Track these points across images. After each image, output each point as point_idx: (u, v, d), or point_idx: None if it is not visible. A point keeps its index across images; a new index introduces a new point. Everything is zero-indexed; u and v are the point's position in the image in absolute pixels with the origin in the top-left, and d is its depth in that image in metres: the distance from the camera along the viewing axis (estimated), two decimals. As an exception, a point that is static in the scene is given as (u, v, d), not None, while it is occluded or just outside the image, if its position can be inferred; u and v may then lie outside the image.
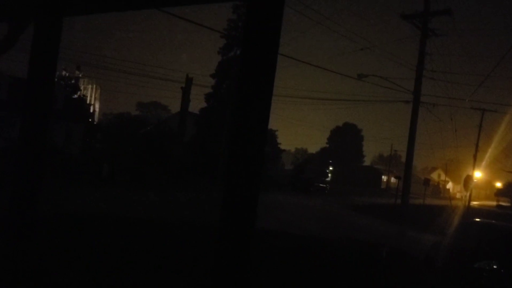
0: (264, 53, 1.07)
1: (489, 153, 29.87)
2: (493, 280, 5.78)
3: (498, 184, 50.84)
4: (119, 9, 1.50)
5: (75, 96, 32.11)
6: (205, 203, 14.23)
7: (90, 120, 31.45)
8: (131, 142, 23.18)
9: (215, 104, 29.86)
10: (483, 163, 31.20)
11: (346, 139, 56.24)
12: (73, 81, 33.74)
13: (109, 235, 7.24)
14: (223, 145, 25.51)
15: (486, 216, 15.19)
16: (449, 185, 61.73)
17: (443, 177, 60.65)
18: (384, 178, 54.83)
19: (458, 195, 46.97)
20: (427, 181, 29.17)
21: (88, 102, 38.04)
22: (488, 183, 54.32)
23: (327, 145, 58.03)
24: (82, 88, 37.55)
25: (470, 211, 22.59)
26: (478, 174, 31.87)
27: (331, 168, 49.97)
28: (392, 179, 41.71)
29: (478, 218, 10.80)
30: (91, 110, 37.39)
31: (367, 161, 63.85)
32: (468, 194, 26.43)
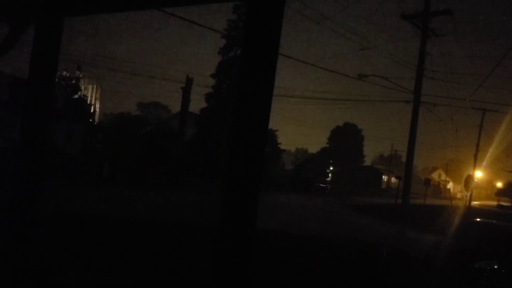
0: (264, 53, 1.07)
1: (490, 153, 29.86)
2: (494, 280, 5.77)
3: (499, 184, 50.80)
4: (119, 9, 1.50)
5: (76, 96, 32.13)
6: (205, 203, 14.23)
7: (90, 120, 31.47)
8: (131, 142, 23.19)
9: (216, 104, 29.87)
10: (484, 163, 31.19)
11: (346, 139, 56.22)
12: (73, 81, 33.76)
13: (109, 235, 7.24)
14: (223, 145, 25.51)
15: (486, 216, 15.18)
16: (450, 185, 61.69)
17: (443, 177, 60.60)
18: (385, 178, 54.82)
19: (458, 195, 46.94)
20: (427, 181, 29.16)
21: (88, 102, 38.08)
22: (489, 183, 54.28)
23: (328, 145, 58.02)
24: (82, 88, 37.58)
25: (471, 211, 22.58)
26: (478, 174, 31.84)
27: (331, 168, 49.95)
28: (393, 179, 41.70)
29: (478, 218, 10.79)
30: (92, 110, 37.42)
31: (367, 161, 63.86)
32: (468, 194, 26.41)
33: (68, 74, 33.97)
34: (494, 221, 9.35)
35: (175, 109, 41.03)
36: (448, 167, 52.08)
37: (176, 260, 6.12)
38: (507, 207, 35.87)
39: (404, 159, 21.70)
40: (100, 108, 45.72)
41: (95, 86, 43.60)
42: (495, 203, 42.54)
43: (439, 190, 55.96)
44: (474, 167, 29.89)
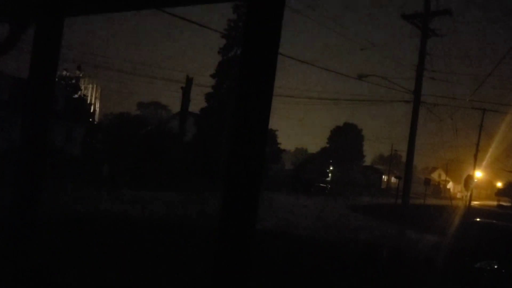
0: (264, 53, 1.07)
1: (490, 153, 29.84)
2: (494, 280, 5.76)
3: (499, 184, 50.78)
4: (120, 9, 1.50)
5: (76, 96, 32.12)
6: (205, 203, 14.23)
7: (90, 120, 31.46)
8: (131, 142, 23.19)
9: (216, 104, 29.87)
10: (484, 163, 31.18)
11: (346, 139, 56.20)
12: (73, 81, 33.76)
13: (109, 235, 7.24)
14: (223, 145, 25.51)
15: (486, 216, 15.17)
16: (450, 185, 61.68)
17: (443, 177, 60.59)
18: (385, 178, 54.80)
19: (458, 195, 46.93)
20: (427, 181, 29.15)
21: (88, 102, 38.06)
22: (489, 183, 54.27)
23: (327, 145, 58.01)
24: (82, 88, 37.57)
25: (471, 211, 22.57)
26: (478, 174, 31.84)
27: (331, 168, 49.96)
28: (393, 179, 41.69)
29: (478, 218, 10.79)
30: (92, 110, 37.41)
31: (367, 161, 63.80)
32: (468, 194, 26.40)
33: (68, 74, 33.97)
34: (494, 221, 9.35)
35: (175, 109, 41.03)
36: (448, 167, 52.09)
37: (176, 260, 6.12)
38: (507, 207, 35.86)
39: (404, 159, 21.70)
40: (100, 108, 45.74)
41: (95, 86, 43.63)
42: (495, 203, 42.53)
43: (439, 190, 55.95)
44: (474, 167, 29.89)
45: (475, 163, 30.23)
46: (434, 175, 62.17)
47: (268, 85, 1.08)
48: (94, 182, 17.52)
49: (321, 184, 34.97)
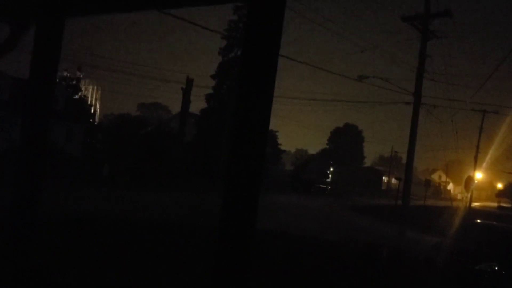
0: (265, 54, 1.08)
1: (490, 154, 29.83)
2: (494, 282, 5.76)
3: (499, 185, 50.72)
4: (120, 10, 1.50)
5: (76, 96, 32.13)
6: (205, 203, 14.23)
7: (91, 120, 31.47)
8: (131, 142, 23.20)
9: (216, 104, 29.89)
10: (484, 164, 31.17)
11: (346, 140, 56.20)
12: (74, 82, 33.78)
13: (109, 235, 7.24)
14: (223, 146, 25.51)
15: (487, 217, 15.15)
16: (450, 186, 61.63)
17: (443, 178, 60.54)
18: (385, 179, 54.77)
19: (459, 196, 46.89)
20: (428, 182, 29.15)
21: (89, 102, 38.10)
22: (489, 184, 54.23)
23: (328, 146, 58.00)
24: (83, 88, 37.61)
25: (471, 212, 22.55)
26: (479, 175, 31.83)
27: (331, 169, 49.95)
28: (393, 180, 41.65)
29: (479, 219, 10.78)
30: (92, 111, 37.43)
31: (367, 162, 63.78)
32: (469, 195, 26.39)
33: (68, 75, 34.01)
34: (494, 222, 9.35)
35: (175, 110, 41.05)
36: (448, 168, 52.05)
37: (176, 260, 6.12)
38: (507, 209, 35.82)
39: (404, 160, 21.70)
40: (100, 108, 45.78)
41: (95, 86, 43.68)
42: (495, 204, 42.47)
43: (439, 191, 55.91)
44: (475, 169, 29.89)
45: (476, 164, 30.23)
46: (435, 176, 62.12)
47: (269, 86, 1.08)
48: (94, 182, 17.52)
49: (321, 185, 34.93)
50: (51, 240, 5.43)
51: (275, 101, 1.12)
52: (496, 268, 5.85)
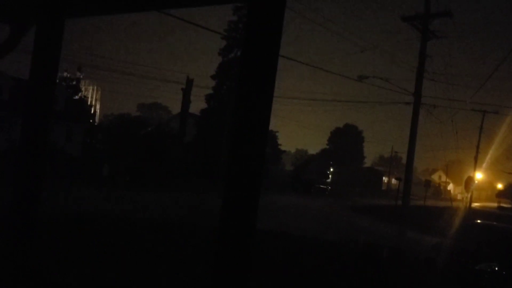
0: (265, 54, 1.08)
1: (490, 154, 29.83)
2: (494, 282, 5.76)
3: (499, 186, 50.70)
4: (120, 11, 1.51)
5: (76, 97, 32.15)
6: (205, 203, 14.22)
7: (91, 121, 31.48)
8: (131, 143, 23.20)
9: (216, 105, 29.89)
10: (484, 164, 31.16)
11: (346, 140, 56.20)
12: (74, 82, 33.79)
13: (109, 235, 7.24)
14: (223, 146, 25.52)
15: (487, 218, 15.15)
16: (450, 187, 61.61)
17: (444, 178, 60.53)
18: (385, 179, 54.77)
19: (459, 197, 46.87)
20: (428, 183, 29.15)
21: (89, 103, 38.11)
22: (489, 185, 54.20)
23: (328, 146, 58.01)
24: (83, 89, 37.62)
25: (471, 213, 22.54)
26: (479, 176, 31.82)
27: (331, 169, 49.96)
28: (393, 181, 41.65)
29: (479, 219, 10.77)
30: (92, 111, 37.44)
31: (367, 163, 63.78)
32: (469, 196, 26.38)
33: (68, 75, 34.02)
34: (494, 223, 9.35)
35: (175, 110, 41.04)
36: (448, 168, 52.04)
37: (176, 260, 6.12)
38: (507, 209, 35.81)
39: (404, 160, 21.70)
40: (100, 109, 45.80)
41: (95, 87, 43.70)
42: (495, 204, 42.46)
43: (439, 191, 55.89)
44: (475, 169, 29.88)
45: (476, 164, 30.22)
46: (435, 177, 62.11)
47: (269, 86, 1.08)
48: (94, 182, 17.52)
49: (321, 185, 34.91)
50: (51, 240, 5.43)
51: (275, 101, 1.12)
52: (496, 268, 5.85)
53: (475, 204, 32.77)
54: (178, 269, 5.74)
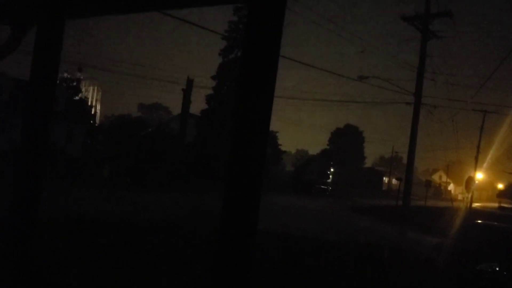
0: (265, 54, 1.08)
1: (491, 154, 29.81)
2: (495, 282, 5.75)
3: (500, 186, 50.64)
4: (121, 12, 1.51)
5: (77, 98, 32.17)
6: (206, 204, 14.22)
7: (91, 121, 31.51)
8: (132, 143, 23.21)
9: (216, 105, 29.90)
10: (485, 164, 31.13)
11: (347, 141, 56.19)
12: (74, 83, 33.82)
13: (109, 236, 7.24)
14: (224, 146, 25.52)
15: (488, 218, 15.13)
16: (451, 187, 61.55)
17: (444, 178, 60.48)
18: (385, 179, 54.74)
19: (459, 197, 46.80)
20: (428, 183, 29.13)
21: (89, 103, 38.15)
22: (490, 185, 54.12)
23: (328, 147, 58.00)
24: (83, 90, 37.65)
25: (472, 213, 22.51)
26: (479, 176, 31.78)
27: (332, 170, 49.95)
28: (394, 181, 41.63)
29: (480, 219, 10.76)
30: (92, 112, 37.47)
31: (368, 163, 63.73)
32: (469, 196, 26.35)
33: (69, 76, 34.05)
34: (495, 223, 9.33)
35: (176, 111, 41.04)
36: (449, 168, 52.00)
37: (177, 261, 6.12)
38: (508, 209, 35.76)
39: (405, 160, 21.68)
40: (101, 109, 45.84)
41: (96, 87, 43.73)
42: (496, 204, 42.39)
43: (440, 191, 55.84)
44: (475, 169, 29.85)
45: (476, 164, 30.19)
46: (435, 177, 62.04)
47: (269, 86, 1.08)
48: (94, 183, 17.52)
49: (322, 186, 34.90)
50: (51, 241, 5.43)
51: (275, 102, 1.12)
52: (497, 269, 5.84)
53: (475, 204, 32.72)
54: (178, 269, 5.74)
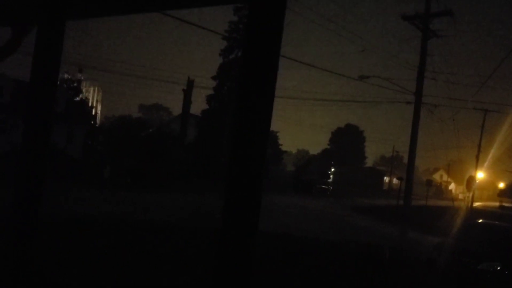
0: (265, 54, 1.08)
1: (492, 153, 29.77)
2: (497, 282, 5.74)
3: (501, 185, 50.56)
4: (121, 12, 1.51)
5: (77, 98, 32.20)
6: (206, 204, 14.22)
7: (92, 122, 31.54)
8: (132, 144, 23.23)
9: (217, 105, 29.92)
10: (486, 163, 31.10)
11: (347, 140, 56.17)
12: (75, 84, 33.85)
13: (110, 237, 7.25)
14: (224, 147, 25.53)
15: (489, 217, 15.11)
16: (452, 186, 61.49)
17: (445, 178, 60.42)
18: (386, 179, 54.70)
19: (460, 196, 46.75)
20: (429, 182, 29.10)
21: (90, 104, 38.17)
22: (491, 184, 54.05)
23: (329, 146, 57.98)
24: (84, 90, 37.68)
25: (473, 212, 22.48)
26: (480, 175, 31.75)
27: (332, 170, 49.92)
28: (394, 180, 41.60)
29: (481, 219, 10.74)
30: (93, 113, 37.50)
31: (369, 162, 63.71)
32: (470, 195, 26.32)
33: (69, 77, 34.09)
34: (496, 222, 9.31)
35: (176, 111, 41.08)
36: (449, 168, 51.95)
37: (177, 261, 6.12)
38: (509, 208, 35.72)
39: (405, 160, 21.67)
40: (101, 110, 45.87)
41: (96, 88, 43.77)
42: (497, 204, 42.33)
43: (440, 191, 55.79)
44: (476, 168, 29.83)
45: (477, 164, 30.16)
46: (436, 176, 61.98)
47: (270, 86, 1.08)
48: (95, 184, 17.54)
49: (323, 186, 34.88)
50: (52, 241, 5.44)
51: (276, 102, 1.12)
52: (499, 268, 5.83)
53: (476, 204, 32.67)
54: (179, 269, 5.74)
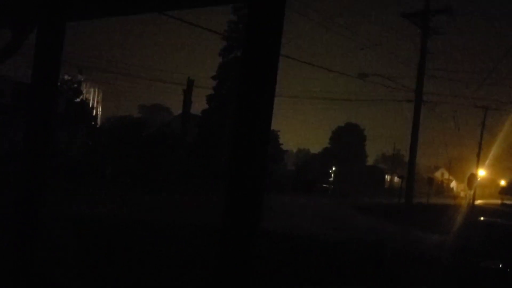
0: (265, 53, 1.08)
1: (493, 151, 29.72)
2: (499, 280, 5.73)
3: (502, 183, 50.47)
4: (122, 13, 1.51)
5: (78, 99, 32.22)
6: (207, 204, 14.23)
7: (92, 123, 31.57)
8: (133, 144, 23.26)
9: (217, 105, 29.93)
10: (487, 161, 31.04)
11: (348, 139, 56.10)
12: (75, 85, 33.86)
13: (111, 237, 7.26)
14: (225, 146, 25.54)
15: (490, 215, 15.08)
16: (453, 184, 61.42)
17: (446, 175, 60.34)
18: (387, 177, 54.65)
19: (462, 194, 46.67)
20: (430, 180, 29.09)
21: (90, 105, 38.19)
22: (492, 182, 53.96)
23: (330, 145, 57.93)
24: (84, 91, 37.70)
25: (474, 210, 22.46)
26: (482, 173, 31.70)
27: (333, 168, 49.88)
28: (396, 179, 41.57)
29: (482, 216, 10.73)
30: (94, 113, 37.53)
31: (370, 161, 63.55)
32: (472, 193, 26.29)
33: (70, 78, 34.10)
34: (498, 220, 9.31)
35: (176, 111, 41.05)
36: (451, 165, 51.88)
37: (178, 261, 6.13)
38: (511, 206, 35.65)
39: (406, 158, 21.65)
40: (102, 111, 45.92)
41: (96, 89, 43.81)
42: (498, 201, 42.26)
43: (442, 189, 55.74)
44: (477, 166, 29.79)
45: (478, 161, 30.12)
46: (437, 174, 61.88)
47: (270, 85, 1.08)
48: (95, 184, 17.56)
49: (324, 184, 34.89)
50: (52, 241, 5.45)
51: (276, 101, 1.12)
52: (501, 266, 5.83)
53: (478, 201, 32.63)
54: (179, 269, 5.75)
